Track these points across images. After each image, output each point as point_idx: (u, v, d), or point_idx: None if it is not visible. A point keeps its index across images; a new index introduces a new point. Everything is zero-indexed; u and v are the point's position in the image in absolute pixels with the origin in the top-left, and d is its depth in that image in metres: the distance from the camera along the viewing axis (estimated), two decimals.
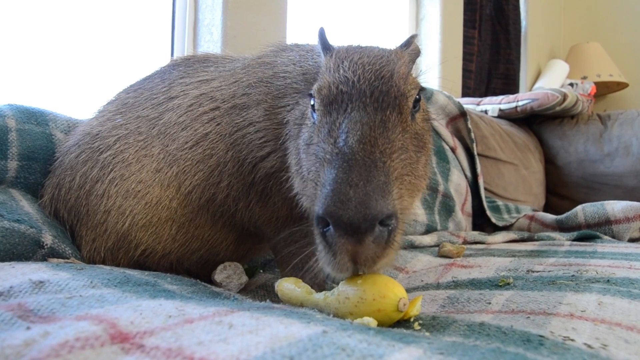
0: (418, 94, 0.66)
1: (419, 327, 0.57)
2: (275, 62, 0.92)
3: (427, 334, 0.53)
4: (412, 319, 0.59)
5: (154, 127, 0.94)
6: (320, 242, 0.54)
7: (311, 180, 0.63)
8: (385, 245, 0.52)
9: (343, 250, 0.51)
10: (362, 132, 0.56)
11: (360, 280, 0.58)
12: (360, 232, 0.49)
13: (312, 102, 0.66)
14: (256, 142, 0.86)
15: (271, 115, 0.86)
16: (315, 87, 0.65)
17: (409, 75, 0.65)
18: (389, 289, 0.58)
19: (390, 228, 0.51)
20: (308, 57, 0.89)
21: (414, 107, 0.65)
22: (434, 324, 0.57)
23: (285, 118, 0.83)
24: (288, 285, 0.68)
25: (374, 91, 0.60)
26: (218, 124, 0.90)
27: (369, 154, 0.53)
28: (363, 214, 0.49)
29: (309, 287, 0.66)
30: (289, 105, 0.83)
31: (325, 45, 0.74)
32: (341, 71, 0.63)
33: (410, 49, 0.78)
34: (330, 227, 0.51)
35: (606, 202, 1.68)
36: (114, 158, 0.92)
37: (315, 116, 0.65)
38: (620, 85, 4.18)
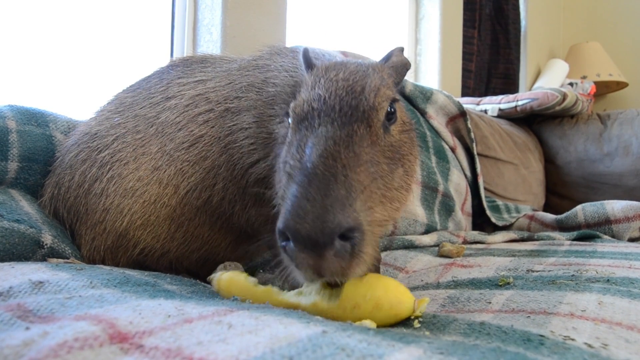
0: (392, 107, 0.65)
1: (418, 325, 0.57)
2: (269, 67, 0.92)
3: (427, 333, 0.53)
4: (412, 317, 0.59)
5: (151, 126, 0.94)
6: (282, 255, 0.54)
7: (281, 197, 0.62)
8: (350, 258, 0.51)
9: (304, 264, 0.51)
10: (325, 147, 0.55)
11: (363, 285, 0.57)
12: (319, 247, 0.49)
13: (289, 121, 0.66)
14: (245, 149, 0.86)
15: (260, 123, 0.86)
16: (291, 105, 0.65)
17: (381, 88, 0.64)
18: (403, 294, 0.58)
19: (352, 241, 0.50)
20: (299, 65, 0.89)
21: (389, 119, 0.64)
22: (434, 323, 0.57)
23: (274, 129, 0.82)
24: (239, 280, 0.65)
25: (342, 106, 0.60)
26: (212, 127, 0.90)
27: (330, 168, 0.53)
28: (320, 227, 0.48)
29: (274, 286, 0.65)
30: (278, 116, 0.83)
31: (308, 64, 0.74)
32: (316, 89, 0.63)
33: (392, 61, 0.77)
34: (290, 241, 0.51)
35: (606, 201, 1.68)
36: (112, 157, 0.93)
37: (289, 135, 0.65)
38: (620, 85, 4.18)
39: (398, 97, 0.69)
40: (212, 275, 0.69)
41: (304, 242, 0.49)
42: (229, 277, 0.66)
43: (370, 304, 0.56)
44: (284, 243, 0.52)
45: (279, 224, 0.51)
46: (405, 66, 0.80)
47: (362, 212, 0.52)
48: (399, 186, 0.63)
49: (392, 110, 0.65)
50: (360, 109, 0.60)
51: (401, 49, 0.81)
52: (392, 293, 0.57)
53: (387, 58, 0.78)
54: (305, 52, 0.77)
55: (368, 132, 0.60)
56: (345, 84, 0.63)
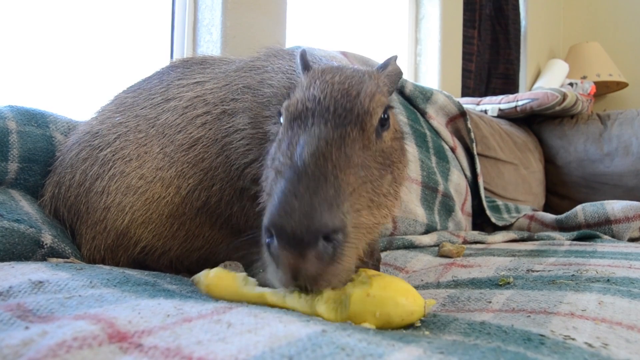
0: (385, 113, 0.65)
1: (419, 325, 0.56)
2: (265, 68, 0.93)
3: (427, 332, 0.53)
4: None
5: (152, 127, 0.94)
6: (264, 253, 0.53)
7: (268, 193, 0.62)
8: (330, 261, 0.50)
9: (285, 263, 0.50)
10: (317, 146, 0.55)
11: (370, 301, 0.54)
12: (302, 245, 0.48)
13: (281, 119, 0.66)
14: (241, 150, 0.86)
15: (256, 124, 0.86)
16: (284, 104, 0.65)
17: (376, 94, 0.64)
18: (413, 303, 0.55)
19: (334, 244, 0.50)
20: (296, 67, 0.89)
21: (382, 125, 0.64)
22: (434, 322, 0.57)
23: (269, 130, 0.82)
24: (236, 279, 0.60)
25: (337, 108, 0.60)
26: (210, 129, 0.91)
27: (320, 167, 0.53)
28: (306, 225, 0.47)
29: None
30: (273, 117, 0.83)
31: (305, 66, 0.74)
32: (311, 89, 0.63)
33: (389, 70, 0.77)
34: (274, 238, 0.50)
35: (606, 201, 1.68)
36: (113, 155, 0.93)
37: (281, 132, 0.65)
38: (620, 85, 4.18)
39: (392, 104, 0.69)
40: (196, 276, 0.64)
41: (287, 240, 0.48)
42: (214, 277, 0.61)
43: (381, 320, 0.53)
44: (268, 240, 0.51)
45: (265, 220, 0.51)
46: (398, 75, 0.80)
47: (349, 214, 0.52)
48: (387, 192, 0.62)
49: (386, 116, 0.65)
50: (355, 112, 0.60)
51: (395, 58, 0.81)
52: (401, 307, 0.54)
53: (384, 66, 0.78)
54: (303, 54, 0.77)
55: (361, 136, 0.59)
56: (341, 87, 0.63)
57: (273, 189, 0.55)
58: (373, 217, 0.58)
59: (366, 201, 0.56)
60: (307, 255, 0.49)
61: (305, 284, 0.52)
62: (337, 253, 0.50)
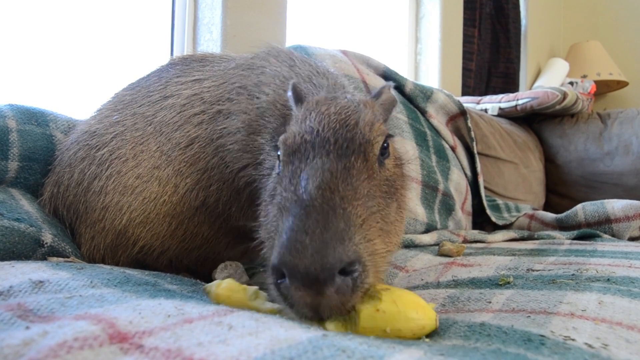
0: (385, 141, 0.64)
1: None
2: (263, 69, 0.92)
3: (426, 339, 0.53)
4: None
5: (149, 125, 0.94)
6: (273, 292, 0.51)
7: (271, 231, 0.59)
8: (352, 293, 0.48)
9: (301, 302, 0.48)
10: (322, 178, 0.53)
11: (380, 317, 0.51)
12: (318, 283, 0.46)
13: (278, 153, 0.64)
14: (234, 154, 0.86)
15: (249, 130, 0.85)
16: (281, 138, 0.63)
17: (375, 122, 0.63)
18: (423, 317, 0.53)
19: (355, 275, 0.48)
20: (299, 73, 0.86)
21: (382, 154, 0.63)
22: None
23: (263, 141, 0.81)
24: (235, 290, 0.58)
25: (338, 139, 0.58)
26: (205, 129, 0.90)
27: (328, 200, 0.51)
28: (320, 263, 0.45)
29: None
30: (266, 127, 0.82)
31: (298, 98, 0.73)
32: (307, 122, 0.62)
33: (382, 99, 0.77)
34: (286, 278, 0.47)
35: (606, 200, 1.68)
36: (111, 154, 0.93)
37: (279, 167, 0.63)
38: (620, 84, 4.18)
39: (391, 132, 0.68)
40: (209, 285, 0.63)
41: (301, 279, 0.46)
42: (225, 289, 0.59)
43: (392, 336, 0.51)
44: (279, 280, 0.49)
45: (273, 259, 0.48)
46: (392, 103, 0.79)
47: (362, 244, 0.50)
48: (395, 220, 0.62)
49: (386, 145, 0.64)
50: (357, 142, 0.59)
51: (390, 86, 0.79)
52: (412, 322, 0.52)
53: (378, 95, 0.77)
54: (295, 87, 0.75)
55: (365, 166, 0.58)
56: (338, 117, 0.61)
57: (279, 226, 0.53)
58: (385, 245, 0.57)
59: (376, 231, 0.55)
60: (324, 293, 0.46)
61: (330, 317, 0.49)
62: (357, 282, 0.49)
